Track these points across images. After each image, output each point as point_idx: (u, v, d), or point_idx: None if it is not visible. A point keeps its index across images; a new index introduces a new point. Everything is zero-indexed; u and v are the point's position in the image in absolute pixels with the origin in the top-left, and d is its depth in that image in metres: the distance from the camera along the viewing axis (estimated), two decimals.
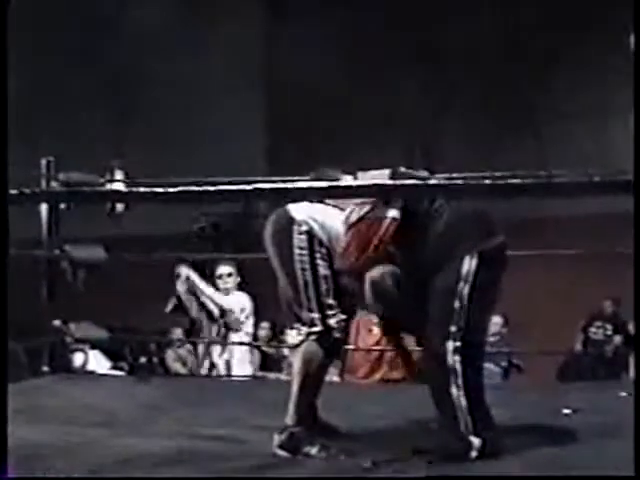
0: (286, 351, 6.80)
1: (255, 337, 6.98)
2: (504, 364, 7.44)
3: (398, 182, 3.01)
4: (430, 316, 3.02)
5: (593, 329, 8.29)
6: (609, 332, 8.20)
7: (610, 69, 9.83)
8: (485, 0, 10.75)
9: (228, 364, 6.40)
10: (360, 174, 3.23)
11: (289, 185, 2.34)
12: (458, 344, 2.96)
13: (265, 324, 7.80)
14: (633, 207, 2.29)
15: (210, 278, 6.49)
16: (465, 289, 2.98)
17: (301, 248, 3.14)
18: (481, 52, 10.53)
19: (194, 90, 11.11)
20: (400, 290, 3.05)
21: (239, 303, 6.43)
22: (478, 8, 10.50)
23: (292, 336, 3.34)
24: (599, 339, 8.23)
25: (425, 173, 3.25)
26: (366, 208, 3.05)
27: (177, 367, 7.60)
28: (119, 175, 5.36)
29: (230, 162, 9.18)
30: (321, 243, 3.15)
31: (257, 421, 3.53)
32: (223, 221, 11.18)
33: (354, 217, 3.07)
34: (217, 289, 6.46)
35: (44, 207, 5.06)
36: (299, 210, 3.17)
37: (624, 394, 4.00)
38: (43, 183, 5.08)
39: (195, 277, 6.40)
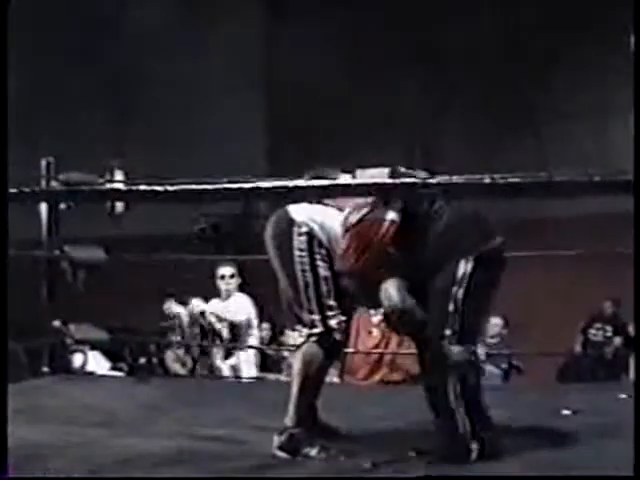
0: (286, 352, 6.79)
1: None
2: (504, 365, 7.44)
3: (398, 181, 3.00)
4: (429, 318, 3.01)
5: (593, 330, 8.29)
6: (609, 333, 8.20)
7: (610, 69, 9.83)
8: (485, 0, 10.75)
9: (235, 368, 6.35)
10: (359, 172, 3.22)
11: (289, 184, 2.34)
12: (453, 346, 2.95)
13: (265, 325, 7.80)
14: (633, 207, 2.29)
15: (211, 279, 6.45)
16: (460, 292, 2.97)
17: (301, 250, 3.14)
18: (481, 52, 10.53)
19: (194, 90, 11.11)
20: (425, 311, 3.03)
21: (244, 310, 6.36)
22: (478, 8, 10.50)
23: (293, 337, 3.33)
24: (599, 340, 8.22)
25: (424, 174, 3.22)
26: (365, 210, 3.04)
27: (176, 368, 7.59)
28: (119, 175, 5.36)
29: (230, 162, 9.17)
30: (321, 244, 3.15)
31: (257, 422, 3.53)
32: (223, 222, 11.21)
33: (353, 219, 3.06)
34: (219, 295, 6.42)
35: (44, 207, 5.05)
36: (299, 211, 3.17)
37: (624, 396, 4.00)
38: (43, 183, 5.07)
39: (203, 305, 6.33)
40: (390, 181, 2.98)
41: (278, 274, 3.23)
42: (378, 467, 2.87)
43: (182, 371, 7.37)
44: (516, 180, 2.13)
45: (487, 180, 2.13)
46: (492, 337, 7.70)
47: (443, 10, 10.60)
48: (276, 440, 3.09)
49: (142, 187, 2.25)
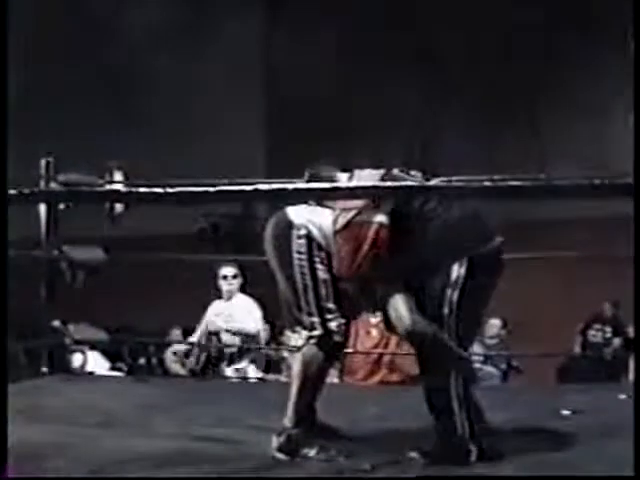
0: (285, 352, 6.78)
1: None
2: (503, 366, 7.44)
3: (397, 184, 2.99)
4: (442, 335, 2.99)
5: (592, 332, 8.27)
6: (608, 335, 8.19)
7: (610, 69, 9.84)
8: (485, 0, 10.75)
9: (244, 371, 6.30)
10: (357, 172, 3.21)
11: (288, 187, 2.34)
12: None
13: (265, 326, 7.77)
14: (633, 210, 2.29)
15: (213, 280, 6.40)
16: (454, 295, 2.96)
17: (300, 252, 3.14)
18: (481, 52, 10.53)
19: (194, 90, 11.11)
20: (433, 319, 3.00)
21: (251, 315, 6.28)
22: (478, 8, 10.50)
23: (294, 339, 3.33)
24: (598, 342, 8.21)
25: (419, 175, 3.20)
26: (352, 213, 3.02)
27: (176, 368, 7.58)
28: (118, 176, 5.35)
29: (230, 162, 9.18)
30: (320, 247, 3.14)
31: (256, 422, 3.53)
32: (223, 222, 11.22)
33: (341, 222, 3.04)
34: (220, 297, 6.38)
35: (43, 208, 5.05)
36: (298, 214, 3.17)
37: (624, 396, 4.00)
38: (42, 184, 5.07)
39: (217, 323, 6.27)
40: (388, 184, 2.97)
41: (277, 276, 3.23)
42: (377, 468, 2.88)
43: (181, 371, 7.36)
44: (514, 183, 2.13)
45: (486, 183, 2.13)
46: (491, 338, 7.69)
47: (443, 10, 10.60)
48: (275, 441, 3.09)
49: (142, 189, 2.26)
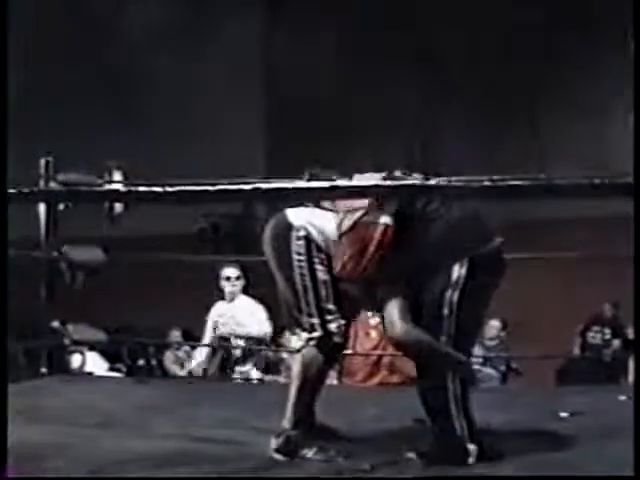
0: (285, 353, 6.78)
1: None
2: (502, 368, 7.43)
3: (397, 183, 2.98)
4: (425, 321, 3.00)
5: (592, 333, 8.26)
6: (608, 336, 8.18)
7: (610, 69, 9.84)
8: (485, 0, 10.76)
9: (247, 374, 6.29)
10: (357, 176, 3.21)
11: (288, 186, 2.34)
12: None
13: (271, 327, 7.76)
14: (633, 209, 2.29)
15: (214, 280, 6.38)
16: (455, 296, 2.96)
17: (299, 254, 3.13)
18: (481, 52, 10.54)
19: (194, 90, 11.12)
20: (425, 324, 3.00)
21: (255, 317, 6.27)
22: (478, 8, 10.51)
23: (293, 340, 3.33)
24: (597, 343, 8.21)
25: (419, 177, 3.20)
26: (358, 214, 3.01)
27: (175, 369, 7.59)
28: (117, 176, 5.35)
29: (230, 162, 9.18)
30: (319, 248, 3.13)
31: (255, 423, 3.53)
32: (223, 222, 11.21)
33: (346, 224, 3.04)
34: (222, 298, 6.37)
35: (42, 208, 5.04)
36: (297, 215, 3.16)
37: (623, 398, 4.00)
38: (42, 183, 5.07)
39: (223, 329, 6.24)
40: (388, 183, 2.97)
41: (277, 277, 3.22)
42: (376, 469, 2.87)
43: (181, 372, 7.36)
44: (514, 183, 2.13)
45: (486, 182, 2.13)
46: (491, 339, 7.69)
47: (443, 10, 10.61)
48: (273, 442, 3.09)
49: (141, 188, 2.26)
